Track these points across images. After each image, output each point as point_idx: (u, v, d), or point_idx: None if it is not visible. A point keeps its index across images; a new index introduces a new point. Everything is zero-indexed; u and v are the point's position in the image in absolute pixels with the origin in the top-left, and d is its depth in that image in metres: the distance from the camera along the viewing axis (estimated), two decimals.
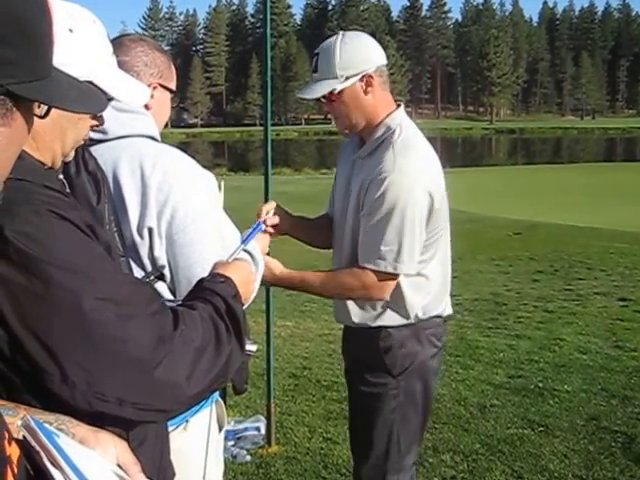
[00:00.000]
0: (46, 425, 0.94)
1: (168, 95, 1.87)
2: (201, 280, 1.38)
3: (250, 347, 1.79)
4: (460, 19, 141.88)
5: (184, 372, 1.15)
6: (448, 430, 4.05)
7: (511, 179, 22.94)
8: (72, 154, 1.36)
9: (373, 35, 2.45)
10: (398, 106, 2.34)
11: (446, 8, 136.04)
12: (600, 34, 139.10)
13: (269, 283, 2.44)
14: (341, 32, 2.31)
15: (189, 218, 1.61)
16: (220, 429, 1.93)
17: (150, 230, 1.59)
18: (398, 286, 2.29)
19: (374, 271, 2.23)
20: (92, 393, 1.09)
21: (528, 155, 48.10)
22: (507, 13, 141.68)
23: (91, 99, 1.02)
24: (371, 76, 2.23)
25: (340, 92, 2.24)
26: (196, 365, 1.17)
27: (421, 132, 2.36)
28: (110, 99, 1.32)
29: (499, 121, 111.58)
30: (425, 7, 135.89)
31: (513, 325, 6.34)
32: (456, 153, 50.27)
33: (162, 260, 1.61)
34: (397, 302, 2.32)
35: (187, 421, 1.77)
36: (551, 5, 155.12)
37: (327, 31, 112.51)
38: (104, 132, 1.64)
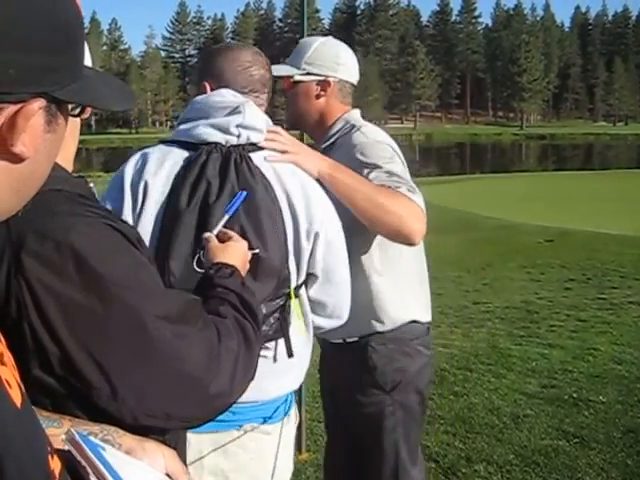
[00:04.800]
0: (91, 438, 0.92)
1: None
2: (208, 275, 1.35)
3: None
4: (490, 24, 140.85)
5: (229, 382, 1.15)
6: (481, 440, 3.99)
7: (542, 185, 22.66)
8: None
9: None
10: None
11: (476, 13, 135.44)
12: (634, 39, 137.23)
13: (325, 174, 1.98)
14: (330, 37, 2.36)
15: (335, 226, 1.81)
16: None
17: (316, 235, 1.73)
18: (373, 286, 2.24)
19: (403, 195, 1.97)
20: (141, 410, 1.07)
21: (559, 161, 47.52)
22: (538, 18, 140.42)
23: (122, 94, 0.93)
24: (329, 83, 2.24)
25: (296, 83, 2.27)
26: (235, 373, 1.16)
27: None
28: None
29: (529, 127, 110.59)
30: (455, 12, 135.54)
31: (545, 334, 6.24)
32: (486, 159, 49.90)
33: (321, 263, 1.77)
34: (373, 305, 2.25)
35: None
36: (583, 10, 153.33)
37: (356, 35, 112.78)
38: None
